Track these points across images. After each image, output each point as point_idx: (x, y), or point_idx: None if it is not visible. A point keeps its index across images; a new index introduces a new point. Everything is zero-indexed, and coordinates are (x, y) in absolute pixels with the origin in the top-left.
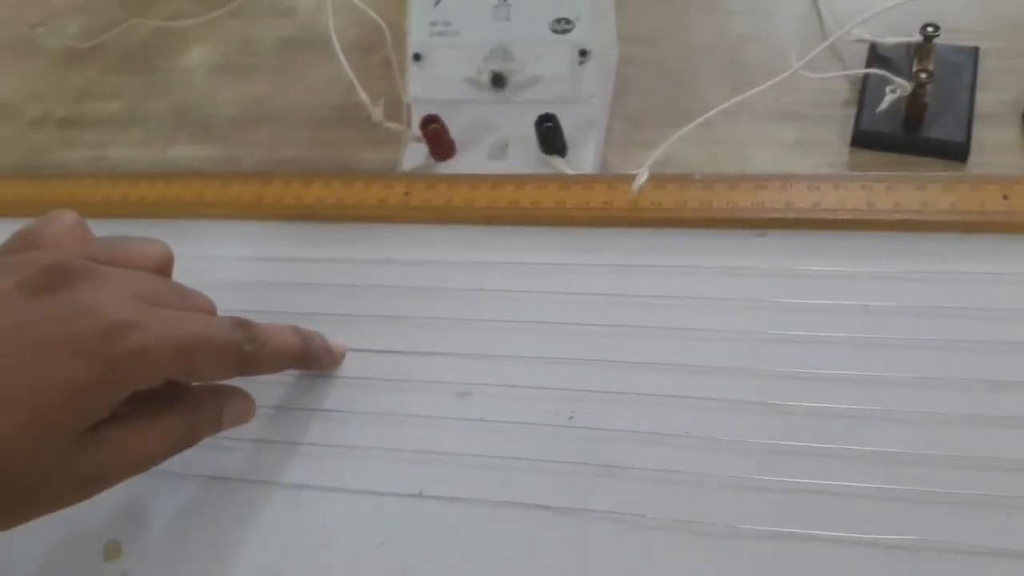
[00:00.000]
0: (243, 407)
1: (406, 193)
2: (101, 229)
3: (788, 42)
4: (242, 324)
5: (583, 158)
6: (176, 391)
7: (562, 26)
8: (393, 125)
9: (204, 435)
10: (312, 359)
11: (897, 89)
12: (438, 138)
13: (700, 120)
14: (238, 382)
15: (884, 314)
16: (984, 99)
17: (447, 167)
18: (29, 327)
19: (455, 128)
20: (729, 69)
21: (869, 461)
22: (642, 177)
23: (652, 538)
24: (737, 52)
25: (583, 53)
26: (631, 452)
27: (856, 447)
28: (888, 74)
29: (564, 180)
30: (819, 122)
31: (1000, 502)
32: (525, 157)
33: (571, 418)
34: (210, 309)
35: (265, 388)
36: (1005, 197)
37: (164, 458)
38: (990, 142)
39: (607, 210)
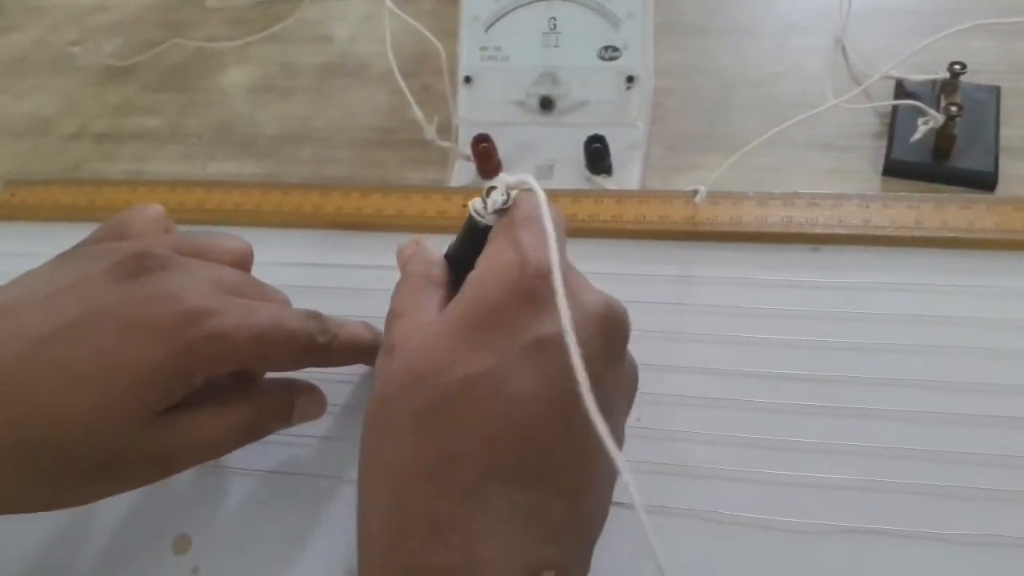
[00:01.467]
0: (314, 402)
1: (464, 206)
2: None
3: (817, 78)
4: (315, 316)
5: (628, 178)
6: (248, 383)
7: (610, 53)
8: (444, 143)
9: (274, 428)
10: None
11: (930, 121)
12: (488, 157)
13: (748, 147)
14: (310, 378)
15: (936, 324)
16: (1007, 134)
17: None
18: (112, 308)
19: (502, 148)
20: (760, 101)
21: (928, 460)
22: (703, 191)
23: (728, 533)
24: (767, 86)
25: (630, 79)
26: (701, 452)
27: (913, 447)
28: (922, 105)
29: (619, 195)
30: (851, 152)
31: None
32: (571, 176)
33: (639, 420)
34: (285, 302)
35: (334, 387)
36: None
37: (234, 446)
38: (1016, 174)
39: (664, 224)
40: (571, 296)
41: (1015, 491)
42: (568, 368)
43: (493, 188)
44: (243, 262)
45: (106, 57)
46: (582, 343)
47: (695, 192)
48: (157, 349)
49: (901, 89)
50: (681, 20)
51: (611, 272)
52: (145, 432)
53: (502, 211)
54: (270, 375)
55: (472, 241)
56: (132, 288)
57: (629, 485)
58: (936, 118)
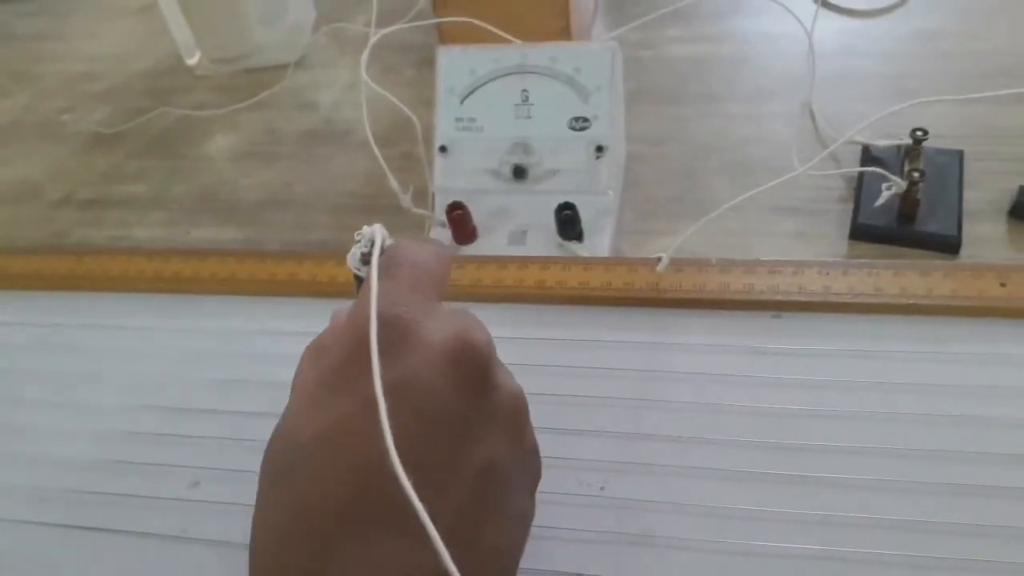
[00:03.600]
0: None
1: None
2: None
3: (785, 143)
4: None
5: (599, 245)
6: None
7: (580, 124)
8: (420, 211)
9: None
10: None
11: (893, 186)
12: (462, 223)
13: (715, 214)
14: None
15: (895, 391)
16: (970, 197)
17: (469, 251)
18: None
19: (477, 215)
20: (731, 167)
21: (888, 529)
22: (666, 260)
23: None
24: (738, 151)
25: (599, 149)
26: (661, 522)
27: (873, 515)
28: (885, 172)
29: (586, 262)
30: (818, 216)
31: (1012, 569)
32: (543, 243)
33: (602, 489)
34: None
35: None
36: (1003, 284)
37: None
38: (979, 236)
39: (629, 290)
40: (417, 338)
41: (979, 560)
42: (409, 414)
43: (358, 242)
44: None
45: (95, 124)
46: (432, 383)
47: (658, 260)
48: None
49: (867, 154)
50: (654, 87)
51: (577, 339)
52: None
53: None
54: None
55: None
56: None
57: (436, 542)
58: (899, 183)
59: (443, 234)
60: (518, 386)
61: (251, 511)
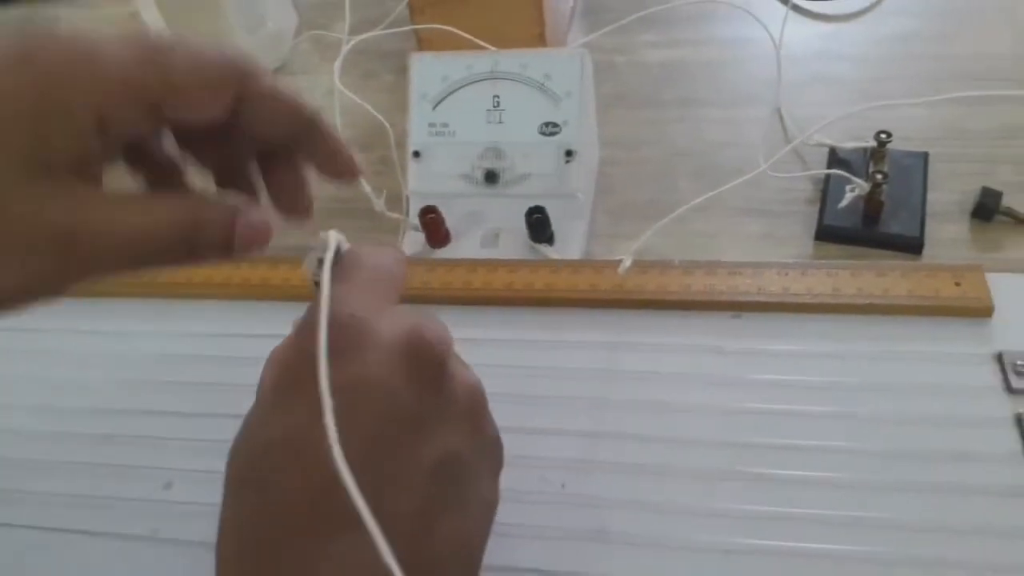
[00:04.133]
0: (259, 230)
1: (424, 280)
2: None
3: (757, 146)
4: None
5: (569, 247)
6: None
7: (550, 129)
8: (394, 215)
9: (210, 252)
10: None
11: (856, 188)
12: (435, 227)
13: (675, 214)
14: None
15: (851, 390)
16: (934, 198)
17: (442, 254)
18: None
19: (450, 219)
20: (704, 170)
21: (840, 525)
22: (627, 262)
23: None
24: (711, 155)
25: (569, 153)
26: (621, 518)
27: (827, 512)
28: (848, 174)
29: (554, 265)
30: (785, 217)
31: (957, 563)
32: (515, 246)
33: (563, 486)
34: None
35: None
36: (957, 284)
37: (158, 256)
38: (942, 237)
39: (593, 292)
40: (370, 338)
41: (931, 556)
42: (363, 412)
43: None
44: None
45: None
46: (385, 380)
47: (624, 261)
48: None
49: (834, 156)
50: (628, 92)
51: (543, 340)
52: (32, 188)
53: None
54: None
55: None
56: None
57: (377, 538)
58: (862, 185)
59: (417, 237)
60: (475, 377)
61: None
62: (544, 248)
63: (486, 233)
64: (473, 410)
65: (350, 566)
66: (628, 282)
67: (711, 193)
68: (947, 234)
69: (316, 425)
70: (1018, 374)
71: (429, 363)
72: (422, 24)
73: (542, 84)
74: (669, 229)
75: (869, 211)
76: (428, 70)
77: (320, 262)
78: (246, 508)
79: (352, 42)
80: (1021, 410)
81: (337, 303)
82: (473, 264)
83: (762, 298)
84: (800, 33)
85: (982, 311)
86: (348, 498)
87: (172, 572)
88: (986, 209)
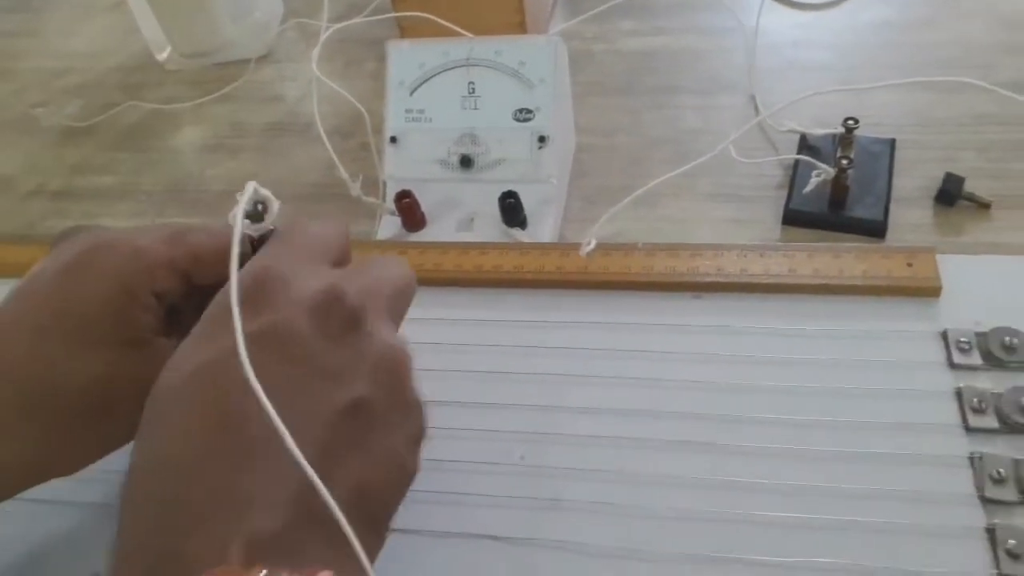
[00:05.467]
0: None
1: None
2: None
3: (729, 133)
4: None
5: (542, 231)
6: None
7: (523, 115)
8: (370, 199)
9: None
10: None
11: (821, 173)
12: (411, 211)
13: (636, 194)
14: None
15: (802, 365)
16: (900, 184)
17: (418, 237)
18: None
19: (426, 203)
20: (677, 157)
21: (791, 493)
22: (590, 244)
23: (596, 565)
24: (685, 142)
25: (542, 139)
26: (575, 488)
27: (777, 481)
28: (813, 160)
29: (523, 247)
30: (754, 202)
31: (892, 528)
32: (489, 229)
33: (522, 458)
34: None
35: None
36: (909, 264)
37: None
38: (906, 221)
39: (559, 274)
40: (287, 290)
41: (872, 521)
42: (271, 357)
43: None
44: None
45: (67, 118)
46: (296, 329)
47: (587, 244)
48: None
49: (804, 143)
50: (606, 80)
51: (509, 319)
52: (124, 357)
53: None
54: None
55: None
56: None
57: (310, 473)
58: (827, 171)
59: (393, 221)
60: (401, 343)
61: None
62: (517, 232)
63: (461, 217)
64: (391, 370)
65: (266, 487)
66: (593, 264)
67: (672, 173)
68: (911, 218)
69: (224, 365)
70: (960, 350)
71: (339, 317)
72: (403, 12)
73: (516, 71)
74: (642, 215)
75: (835, 196)
76: (405, 57)
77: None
78: (154, 440)
79: (330, 30)
80: (961, 384)
81: (258, 259)
82: (446, 247)
83: (721, 279)
84: (777, 22)
85: (931, 291)
86: (248, 432)
87: None
88: (948, 194)
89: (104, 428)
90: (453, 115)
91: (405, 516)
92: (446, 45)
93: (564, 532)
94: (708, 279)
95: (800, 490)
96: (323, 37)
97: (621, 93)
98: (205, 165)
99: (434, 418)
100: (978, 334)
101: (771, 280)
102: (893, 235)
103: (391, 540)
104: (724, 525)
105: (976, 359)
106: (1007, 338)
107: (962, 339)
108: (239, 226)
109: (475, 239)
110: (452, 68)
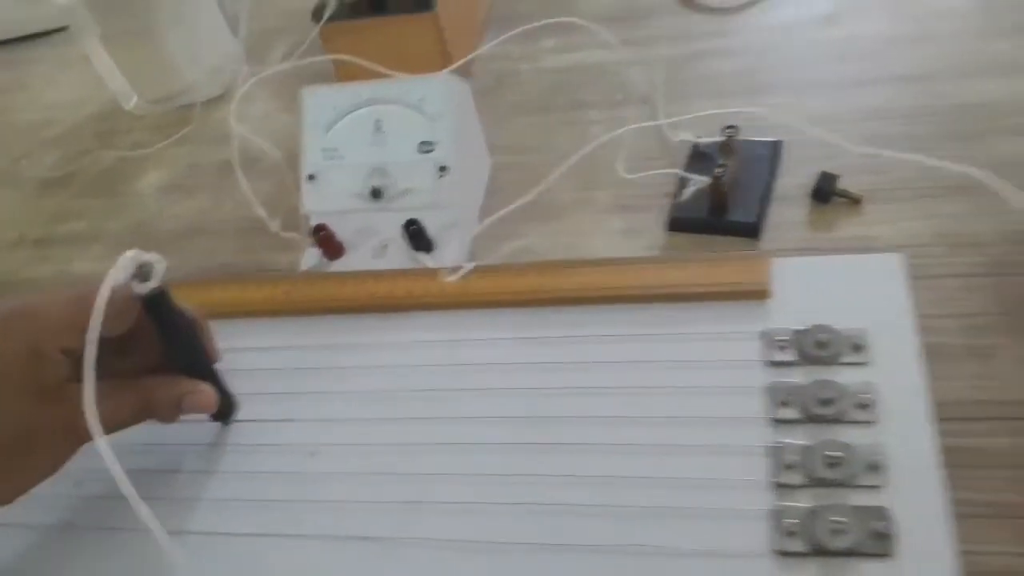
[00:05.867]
0: (201, 398)
1: (286, 292)
2: None
3: (631, 146)
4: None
5: (447, 254)
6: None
7: (426, 147)
8: (289, 234)
9: (166, 417)
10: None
11: (692, 183)
12: (328, 242)
13: (499, 215)
14: None
15: (635, 367)
16: (784, 183)
17: (338, 266)
18: None
19: (345, 233)
20: (582, 171)
21: (605, 484)
22: (463, 270)
23: (452, 557)
24: (593, 157)
25: (443, 169)
26: (435, 489)
27: (602, 473)
28: (683, 173)
29: (413, 273)
30: (646, 212)
31: (689, 513)
32: (401, 256)
33: (388, 464)
34: None
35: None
36: (745, 271)
37: (128, 424)
38: (783, 220)
39: (440, 297)
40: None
41: (682, 508)
42: None
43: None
44: None
45: (46, 169)
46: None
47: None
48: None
49: (696, 151)
50: (528, 99)
51: (389, 342)
52: (40, 404)
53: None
54: None
55: None
56: None
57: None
58: (701, 181)
59: (315, 252)
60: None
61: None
62: (423, 256)
63: (376, 245)
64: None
65: None
66: (471, 285)
67: (528, 194)
68: (789, 217)
69: None
70: (779, 348)
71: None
72: (333, 54)
73: (418, 107)
74: (549, 230)
75: (714, 200)
76: (318, 102)
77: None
78: None
79: (253, 80)
80: (774, 380)
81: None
82: (343, 277)
83: (578, 293)
84: (689, 30)
85: (760, 294)
86: None
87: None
88: (823, 192)
89: (30, 463)
90: (364, 151)
91: (291, 523)
92: (355, 87)
93: (426, 529)
94: (569, 294)
95: (613, 481)
96: (243, 88)
97: (538, 111)
98: (165, 206)
99: (318, 437)
100: (796, 332)
101: (623, 292)
102: (772, 234)
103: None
104: (553, 516)
105: (792, 356)
106: (820, 335)
107: (780, 338)
108: (103, 296)
109: (389, 265)
110: (361, 107)
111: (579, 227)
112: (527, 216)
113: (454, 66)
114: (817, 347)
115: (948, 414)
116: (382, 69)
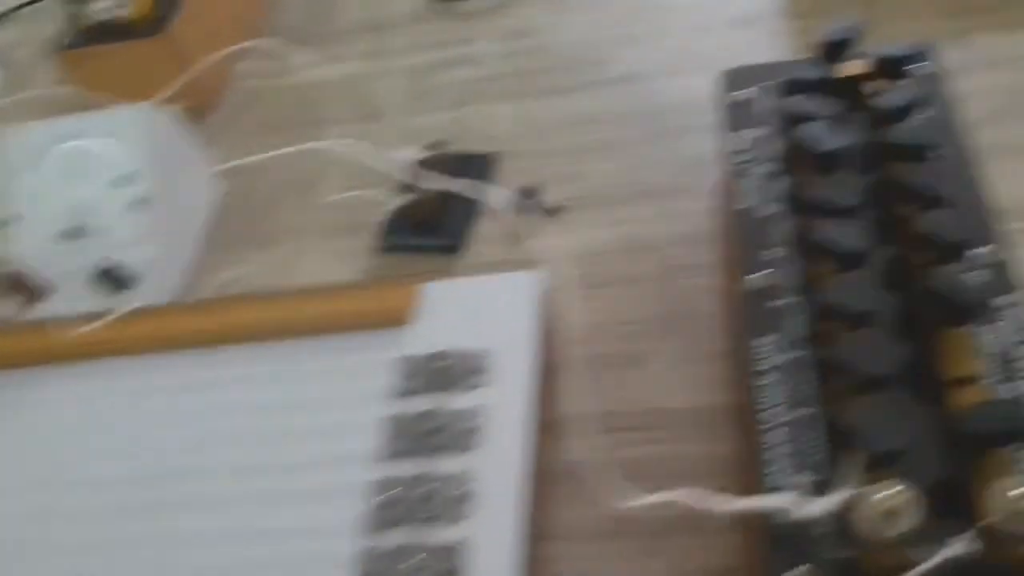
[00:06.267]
0: None
1: None
2: None
3: (361, 164)
4: None
5: (151, 290)
6: None
7: (123, 182)
8: None
9: None
10: None
11: (395, 202)
12: (22, 288)
13: (203, 246)
14: None
15: (262, 408)
16: (495, 196)
17: (40, 311)
18: None
19: (49, 276)
20: (305, 192)
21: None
22: (108, 316)
23: None
24: (314, 180)
25: (141, 202)
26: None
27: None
28: (388, 193)
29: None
30: (362, 234)
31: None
32: (103, 296)
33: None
34: None
35: None
36: (393, 299)
37: None
38: (488, 235)
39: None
40: None
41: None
42: None
43: None
44: None
45: None
46: None
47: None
48: None
49: (416, 167)
50: (269, 120)
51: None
52: None
53: None
54: None
55: None
56: None
57: None
58: (403, 199)
59: (15, 298)
60: None
61: None
62: (125, 295)
63: (80, 284)
64: None
65: None
66: (129, 329)
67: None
68: (493, 231)
69: None
70: (409, 376)
71: None
72: (73, 82)
73: (113, 142)
74: (268, 256)
75: (416, 220)
76: (20, 140)
77: None
78: None
79: None
80: (397, 411)
81: None
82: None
83: (228, 331)
84: (433, 36)
85: (398, 321)
86: None
87: None
88: (523, 204)
89: None
90: (63, 190)
91: None
92: (57, 123)
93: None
94: (227, 333)
95: (213, 533)
96: None
97: (281, 131)
98: None
99: None
100: (426, 358)
101: (260, 330)
102: (476, 248)
103: None
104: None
105: (418, 384)
106: (444, 361)
107: (411, 367)
108: None
109: (92, 307)
110: (63, 143)
111: (296, 252)
112: (246, 242)
113: (173, 90)
114: (439, 373)
115: (574, 429)
116: (112, 98)
